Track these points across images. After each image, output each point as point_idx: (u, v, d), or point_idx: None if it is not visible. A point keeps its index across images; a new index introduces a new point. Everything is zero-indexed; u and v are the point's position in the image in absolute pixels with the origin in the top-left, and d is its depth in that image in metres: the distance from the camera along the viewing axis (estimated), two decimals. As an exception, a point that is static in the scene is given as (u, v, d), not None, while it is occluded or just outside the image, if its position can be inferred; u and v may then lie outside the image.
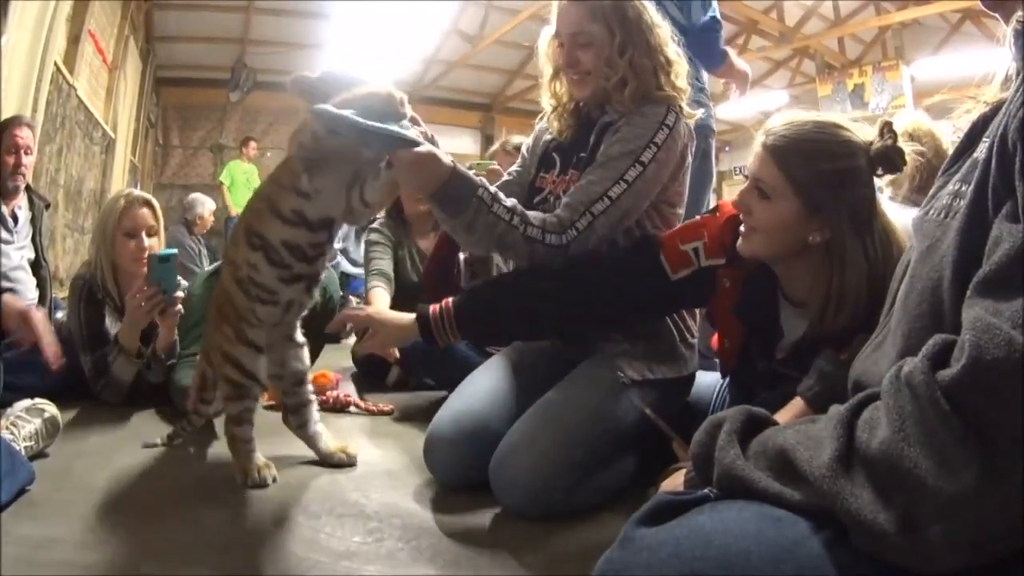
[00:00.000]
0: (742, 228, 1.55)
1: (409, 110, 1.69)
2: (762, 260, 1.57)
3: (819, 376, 1.29)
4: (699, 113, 1.97)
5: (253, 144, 9.19)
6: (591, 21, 1.87)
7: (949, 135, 2.13)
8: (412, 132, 1.64)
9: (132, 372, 2.53)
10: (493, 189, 1.72)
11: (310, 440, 2.00)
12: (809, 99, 10.29)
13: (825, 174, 1.43)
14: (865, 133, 1.48)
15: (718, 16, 3.36)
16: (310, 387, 2.01)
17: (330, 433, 2.06)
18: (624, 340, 1.87)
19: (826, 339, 1.41)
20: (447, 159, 1.67)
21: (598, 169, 1.80)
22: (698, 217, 1.76)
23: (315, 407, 2.01)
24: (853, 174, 1.44)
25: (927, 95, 8.74)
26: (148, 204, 2.70)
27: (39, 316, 2.22)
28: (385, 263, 3.21)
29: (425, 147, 1.62)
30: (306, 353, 2.00)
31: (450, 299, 1.78)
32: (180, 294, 2.45)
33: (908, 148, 1.47)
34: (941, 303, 0.77)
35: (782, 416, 1.26)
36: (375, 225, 3.39)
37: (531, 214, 1.74)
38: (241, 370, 1.83)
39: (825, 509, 0.71)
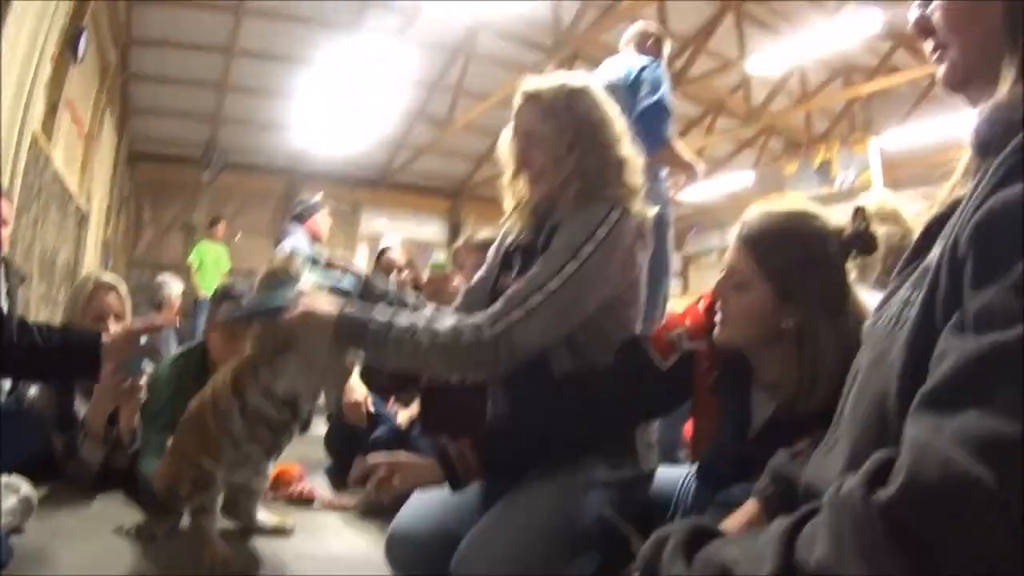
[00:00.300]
0: (718, 317, 1.61)
1: (314, 261, 1.89)
2: (737, 347, 1.61)
3: (772, 476, 1.28)
4: (654, 209, 1.90)
5: (222, 224, 9.09)
6: (542, 120, 1.86)
7: (914, 212, 2.22)
8: (291, 293, 1.81)
9: (100, 455, 2.49)
10: (387, 317, 1.72)
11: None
12: (775, 178, 10.45)
13: (796, 261, 1.50)
14: (838, 218, 1.53)
15: (664, 102, 3.41)
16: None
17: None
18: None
19: (795, 421, 1.42)
20: (325, 308, 1.75)
21: (537, 266, 1.75)
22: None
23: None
24: (824, 260, 1.49)
25: (896, 166, 8.94)
26: (114, 289, 2.72)
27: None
28: None
29: (301, 308, 1.75)
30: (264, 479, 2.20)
31: (467, 441, 1.74)
32: (144, 380, 2.33)
33: (881, 230, 1.54)
34: (887, 415, 0.79)
35: (735, 519, 1.28)
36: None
37: (445, 321, 1.71)
38: (202, 469, 1.96)
39: None
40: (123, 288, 2.75)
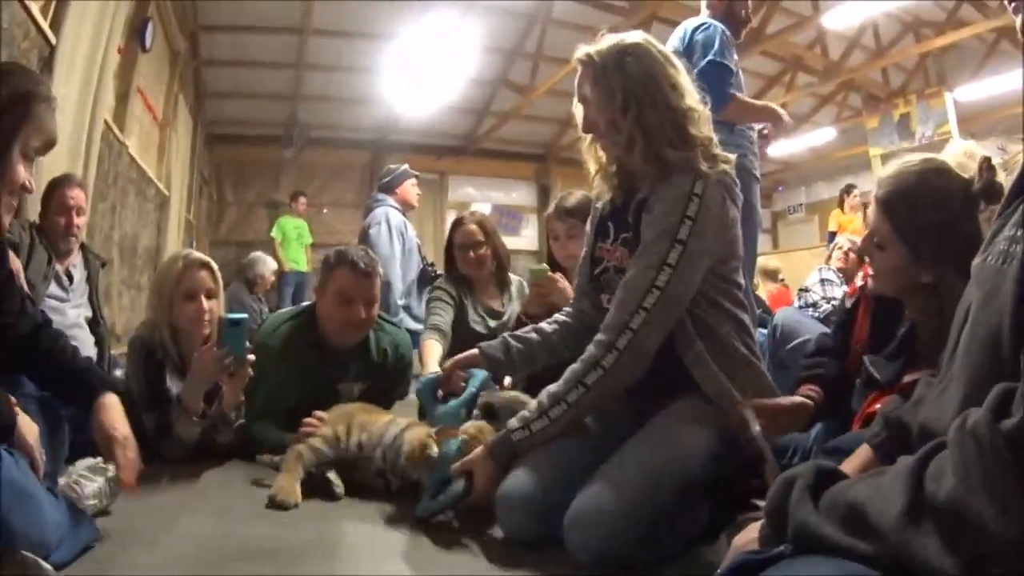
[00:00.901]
0: (870, 270, 1.83)
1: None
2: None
3: (885, 422, 1.29)
4: (732, 157, 1.92)
5: (303, 199, 9.35)
6: (594, 85, 1.89)
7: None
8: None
9: (195, 432, 2.49)
10: (521, 422, 1.83)
11: None
12: (857, 133, 10.51)
13: (928, 223, 1.63)
14: (966, 169, 1.65)
15: (719, 60, 3.38)
16: None
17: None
18: (723, 379, 1.84)
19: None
20: (485, 464, 1.83)
21: (640, 259, 1.81)
22: None
23: None
24: (955, 217, 1.60)
25: (970, 119, 8.93)
26: (207, 266, 2.71)
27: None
28: (442, 318, 3.23)
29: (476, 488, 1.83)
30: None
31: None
32: (251, 357, 2.41)
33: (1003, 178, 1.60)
34: (1001, 351, 0.80)
35: (849, 465, 1.29)
36: (438, 282, 3.47)
37: (565, 385, 1.81)
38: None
39: (895, 560, 0.73)
40: (215, 266, 2.76)
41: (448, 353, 2.95)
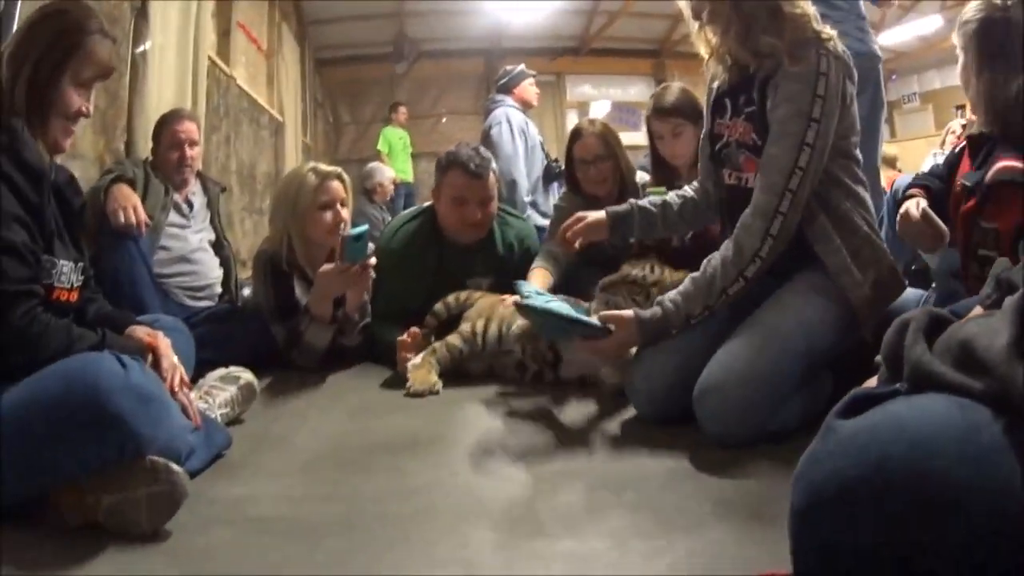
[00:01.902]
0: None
1: None
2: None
3: (996, 283, 1.25)
4: (834, 33, 1.89)
5: (402, 109, 9.41)
6: None
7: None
8: (594, 319, 1.90)
9: (327, 338, 2.62)
10: (672, 298, 1.86)
11: None
12: None
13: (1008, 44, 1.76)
14: None
15: None
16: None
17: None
18: (845, 255, 1.87)
19: None
20: (630, 325, 1.86)
21: (778, 141, 1.82)
22: None
23: None
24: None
25: None
26: (340, 177, 2.80)
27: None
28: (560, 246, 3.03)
29: (610, 335, 1.86)
30: None
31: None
32: (372, 260, 2.52)
33: None
34: None
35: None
36: (561, 197, 3.37)
37: (720, 263, 1.84)
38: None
39: (1003, 396, 0.74)
40: (346, 176, 2.85)
41: (558, 286, 2.82)
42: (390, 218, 6.58)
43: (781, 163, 1.79)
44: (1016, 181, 1.73)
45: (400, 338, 2.45)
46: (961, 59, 1.91)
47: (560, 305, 1.94)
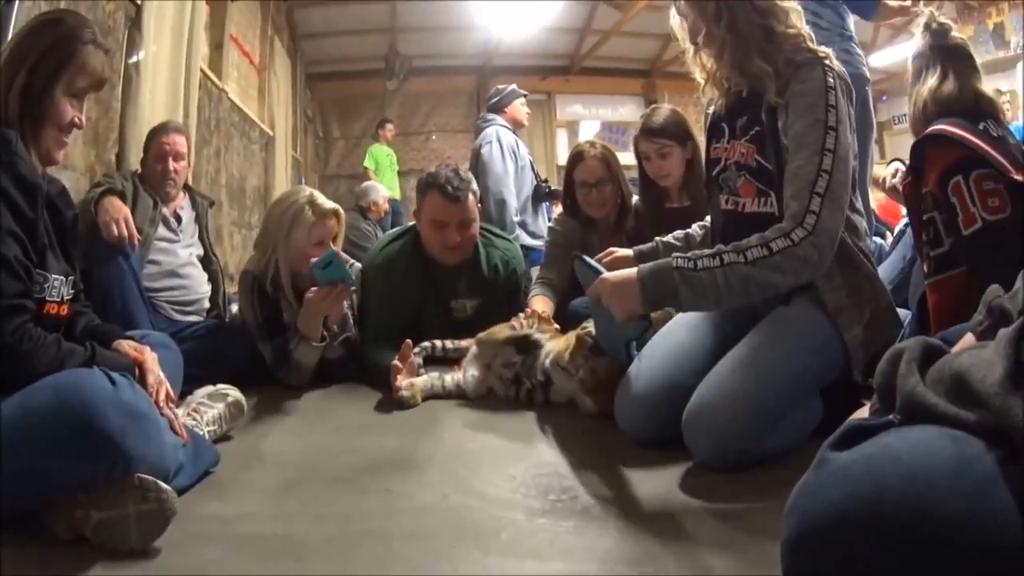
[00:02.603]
0: None
1: None
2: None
3: (987, 309, 1.24)
4: (829, 51, 1.90)
5: (389, 126, 9.46)
6: None
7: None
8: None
9: (316, 356, 2.61)
10: (688, 255, 1.71)
11: None
12: None
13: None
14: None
15: None
16: None
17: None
18: (844, 294, 1.84)
19: None
20: (630, 271, 1.73)
21: (798, 152, 1.78)
22: None
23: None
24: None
25: None
26: (336, 214, 2.78)
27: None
28: (556, 274, 3.01)
29: (606, 274, 1.78)
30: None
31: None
32: (355, 269, 2.56)
33: None
34: None
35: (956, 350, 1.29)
36: (555, 219, 3.36)
37: (746, 241, 1.70)
38: None
39: (997, 428, 0.74)
40: (342, 212, 2.81)
41: (557, 309, 2.86)
42: (381, 234, 6.62)
43: (805, 171, 1.74)
44: (939, 136, 1.86)
45: (393, 362, 2.42)
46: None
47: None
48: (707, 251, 1.71)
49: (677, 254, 1.71)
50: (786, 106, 1.83)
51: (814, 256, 1.68)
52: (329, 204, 2.78)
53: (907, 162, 2.09)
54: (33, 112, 1.58)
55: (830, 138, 1.74)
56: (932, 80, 2.04)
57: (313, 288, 2.49)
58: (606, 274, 1.79)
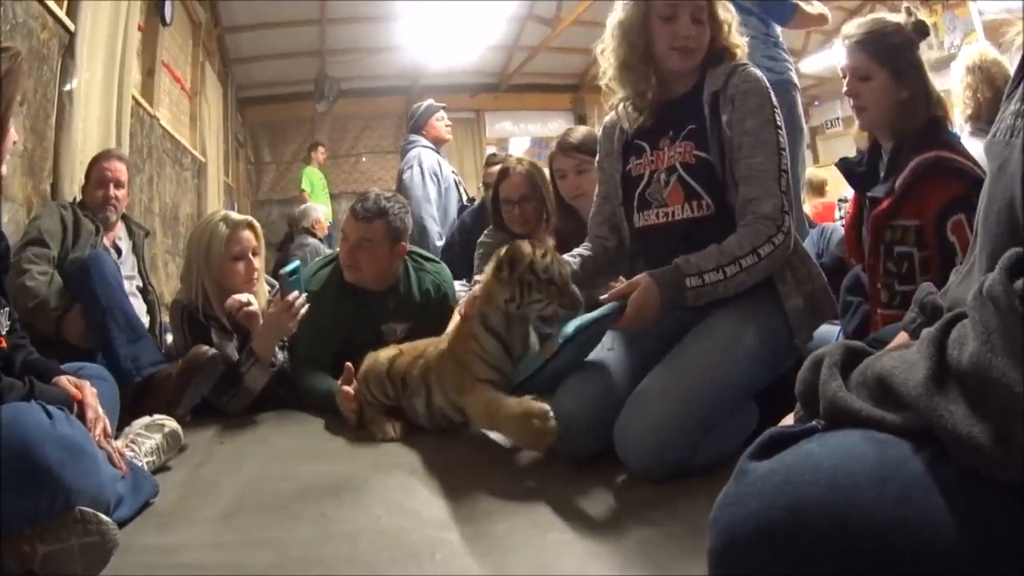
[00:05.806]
0: (855, 110, 2.21)
1: None
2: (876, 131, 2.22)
3: (919, 307, 1.25)
4: (744, 41, 2.06)
5: (321, 149, 9.53)
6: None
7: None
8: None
9: (264, 380, 2.61)
10: (693, 260, 1.83)
11: None
12: None
13: (896, 47, 2.12)
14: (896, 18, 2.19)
15: None
16: None
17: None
18: (795, 294, 1.92)
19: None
20: (645, 283, 1.80)
21: (757, 149, 1.88)
22: None
23: None
24: (910, 43, 2.16)
25: (996, 28, 8.64)
26: (251, 226, 2.78)
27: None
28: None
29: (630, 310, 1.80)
30: None
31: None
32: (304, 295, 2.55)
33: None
34: (1017, 220, 0.79)
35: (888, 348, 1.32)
36: (486, 233, 3.36)
37: (734, 239, 1.84)
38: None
39: (924, 429, 0.73)
40: (257, 224, 2.83)
41: None
42: (327, 249, 6.60)
43: (768, 168, 1.86)
44: (941, 166, 1.96)
45: (344, 388, 2.40)
46: (851, 72, 2.19)
47: (578, 320, 1.88)
48: (710, 266, 1.81)
49: (688, 271, 1.81)
50: (730, 100, 1.91)
51: (789, 248, 1.88)
52: (241, 216, 2.81)
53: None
54: None
55: (781, 137, 1.87)
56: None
57: (274, 305, 2.51)
58: (633, 302, 1.80)
